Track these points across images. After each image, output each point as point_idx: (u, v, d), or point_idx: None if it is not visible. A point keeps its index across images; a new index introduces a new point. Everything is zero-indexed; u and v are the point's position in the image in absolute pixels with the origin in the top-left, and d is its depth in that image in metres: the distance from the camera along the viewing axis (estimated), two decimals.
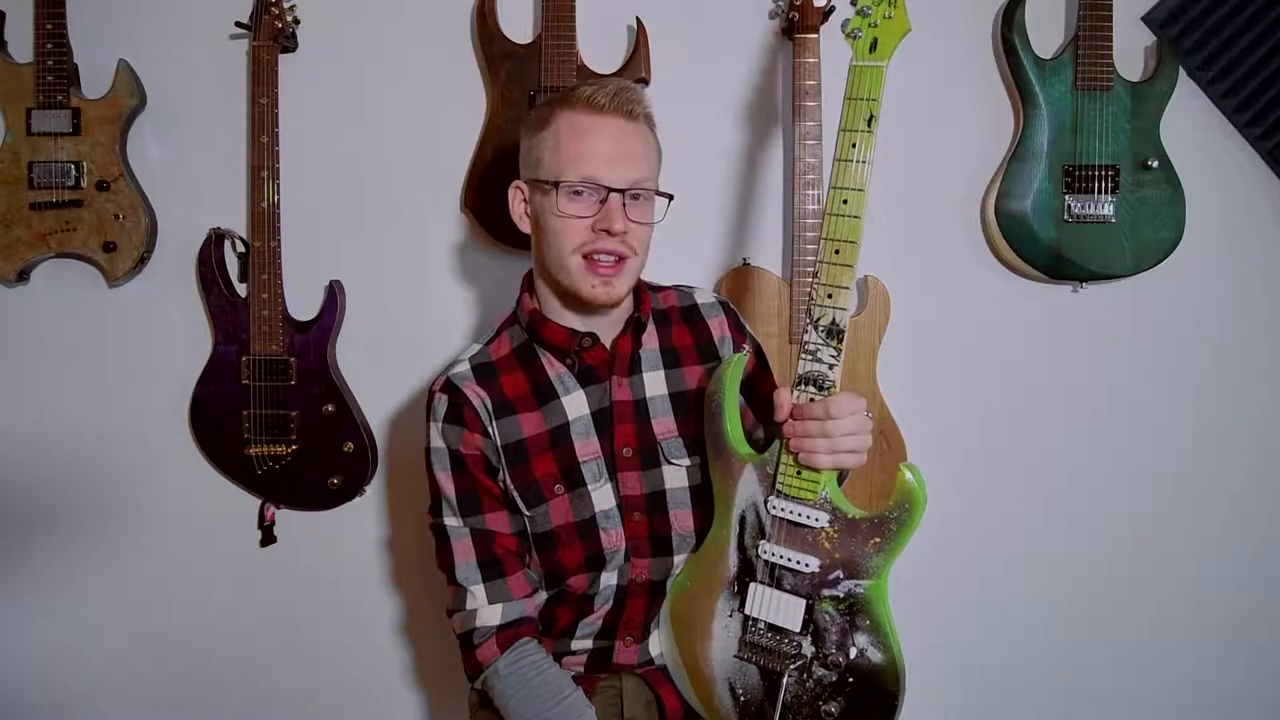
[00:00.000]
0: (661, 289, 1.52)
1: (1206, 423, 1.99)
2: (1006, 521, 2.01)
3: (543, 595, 1.42)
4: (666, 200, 1.38)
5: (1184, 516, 2.00)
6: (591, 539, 1.37)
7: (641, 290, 1.45)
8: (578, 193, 1.31)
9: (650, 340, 1.45)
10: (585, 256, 1.32)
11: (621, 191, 1.30)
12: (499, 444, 1.36)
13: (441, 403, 1.37)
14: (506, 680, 1.33)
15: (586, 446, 1.38)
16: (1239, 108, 1.89)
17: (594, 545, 1.37)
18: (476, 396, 1.36)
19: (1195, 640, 2.03)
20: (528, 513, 1.37)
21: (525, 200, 1.39)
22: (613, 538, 1.37)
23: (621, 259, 1.33)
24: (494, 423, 1.36)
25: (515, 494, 1.36)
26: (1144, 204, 1.82)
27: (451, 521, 1.37)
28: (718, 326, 1.49)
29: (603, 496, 1.38)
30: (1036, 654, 2.03)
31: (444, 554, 1.38)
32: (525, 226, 1.40)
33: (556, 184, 1.31)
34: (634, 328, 1.42)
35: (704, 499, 1.39)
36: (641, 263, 1.37)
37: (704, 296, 1.53)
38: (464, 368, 1.40)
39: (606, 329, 1.41)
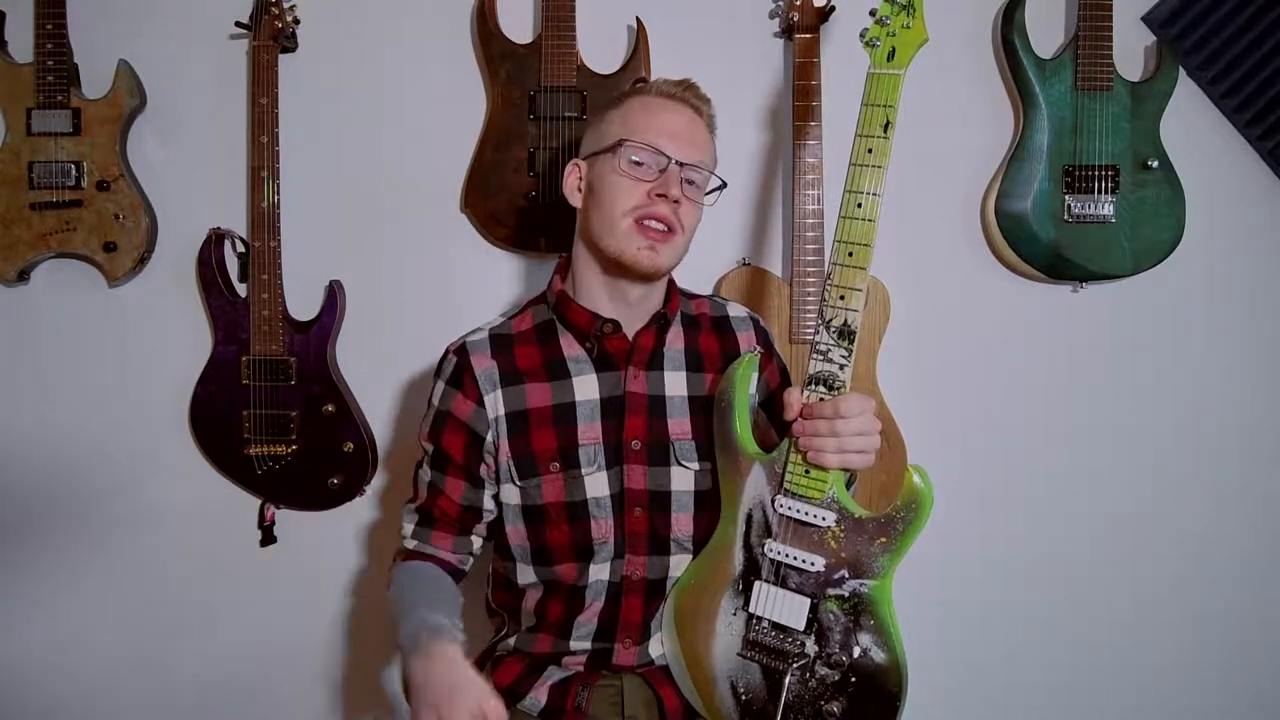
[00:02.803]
0: (695, 296, 1.55)
1: (1207, 422, 1.99)
2: (1007, 521, 2.00)
3: (470, 562, 1.48)
4: (718, 192, 1.42)
5: (1184, 516, 2.00)
6: (580, 524, 1.37)
7: (673, 289, 1.48)
8: (638, 163, 1.34)
9: (676, 341, 1.46)
10: (637, 221, 1.34)
11: (681, 165, 1.34)
12: (501, 413, 1.39)
13: (450, 363, 1.43)
14: (396, 575, 1.44)
15: (588, 430, 1.39)
16: (1239, 108, 1.89)
17: (582, 531, 1.37)
18: (482, 367, 1.40)
19: (1196, 640, 2.03)
20: (520, 484, 1.38)
21: (580, 176, 1.43)
22: (602, 528, 1.37)
23: (671, 230, 1.35)
24: (498, 391, 1.39)
25: (511, 464, 1.38)
26: (1144, 204, 1.82)
27: (425, 466, 1.47)
28: (746, 341, 1.51)
29: (595, 484, 1.38)
30: (1037, 654, 2.03)
31: (414, 483, 1.50)
32: (576, 200, 1.43)
33: (621, 142, 1.34)
34: (658, 323, 1.43)
35: (707, 505, 1.39)
36: (686, 244, 1.40)
37: (736, 310, 1.55)
38: (481, 335, 1.44)
39: (632, 320, 1.42)
